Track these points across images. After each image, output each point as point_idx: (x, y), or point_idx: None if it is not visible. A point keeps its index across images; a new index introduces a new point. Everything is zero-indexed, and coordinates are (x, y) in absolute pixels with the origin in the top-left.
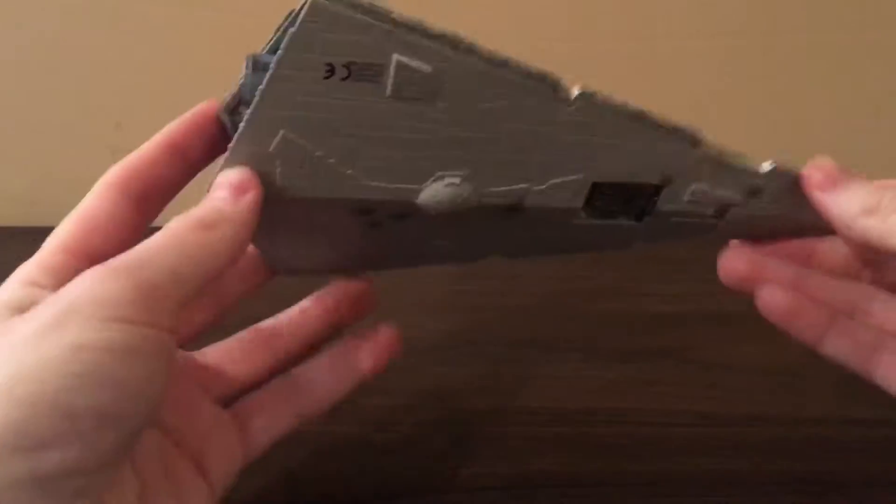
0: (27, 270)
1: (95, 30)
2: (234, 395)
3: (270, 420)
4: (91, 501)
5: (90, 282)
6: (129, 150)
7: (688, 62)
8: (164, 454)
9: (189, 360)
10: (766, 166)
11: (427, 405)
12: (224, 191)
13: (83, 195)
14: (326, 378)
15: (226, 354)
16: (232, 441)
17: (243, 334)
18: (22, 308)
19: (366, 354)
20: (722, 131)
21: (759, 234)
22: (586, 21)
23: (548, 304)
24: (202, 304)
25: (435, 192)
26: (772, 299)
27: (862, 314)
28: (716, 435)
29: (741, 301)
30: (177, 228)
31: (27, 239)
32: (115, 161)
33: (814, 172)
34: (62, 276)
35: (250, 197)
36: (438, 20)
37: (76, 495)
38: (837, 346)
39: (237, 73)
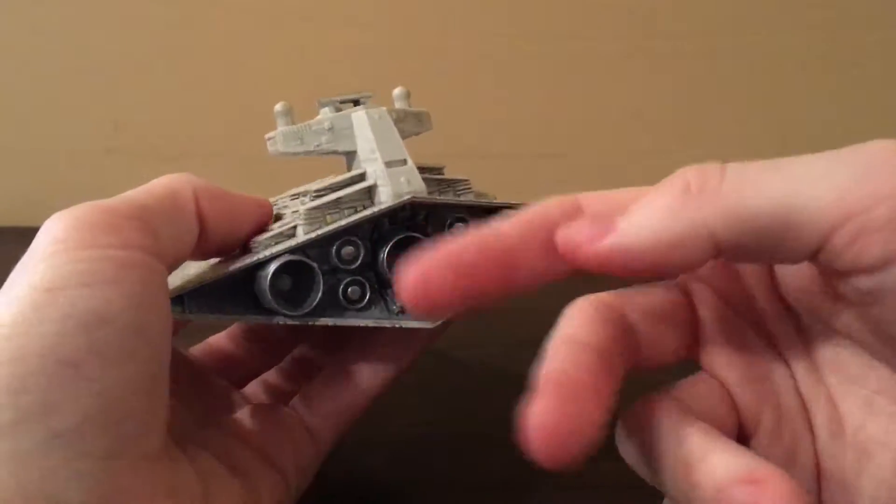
0: None
1: (94, 30)
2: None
3: (328, 407)
4: (128, 462)
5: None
6: (127, 151)
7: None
8: (227, 448)
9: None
10: None
11: (426, 406)
12: None
13: (82, 195)
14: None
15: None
16: (293, 432)
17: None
18: None
19: None
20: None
21: None
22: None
23: (548, 304)
24: None
25: None
26: None
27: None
28: None
29: None
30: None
31: (27, 239)
32: (111, 161)
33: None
34: None
35: None
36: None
37: (107, 456)
38: None
39: (235, 74)
